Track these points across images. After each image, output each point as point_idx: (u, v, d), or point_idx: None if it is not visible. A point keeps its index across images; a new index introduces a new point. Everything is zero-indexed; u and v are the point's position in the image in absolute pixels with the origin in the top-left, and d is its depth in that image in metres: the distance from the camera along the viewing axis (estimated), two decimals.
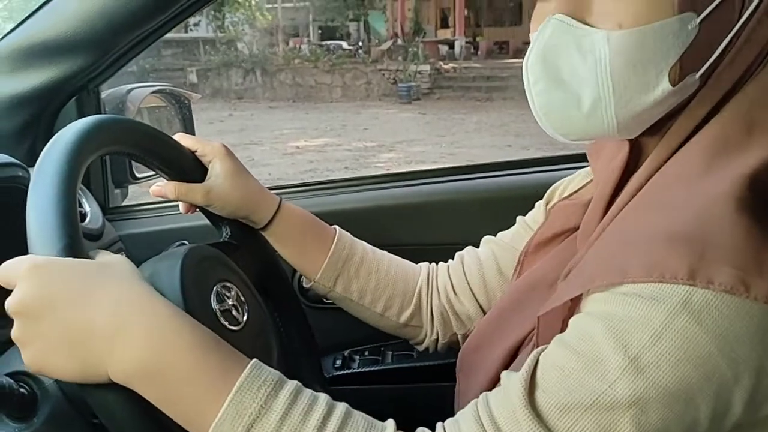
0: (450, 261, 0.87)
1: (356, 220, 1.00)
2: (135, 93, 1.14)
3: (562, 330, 0.51)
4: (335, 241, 0.82)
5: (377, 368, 1.02)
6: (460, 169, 1.02)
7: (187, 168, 0.77)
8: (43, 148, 0.94)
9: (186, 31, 17.71)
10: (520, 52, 19.27)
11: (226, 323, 0.65)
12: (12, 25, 0.94)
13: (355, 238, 0.85)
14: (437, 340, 0.84)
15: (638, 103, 0.50)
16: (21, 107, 0.95)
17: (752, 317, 0.41)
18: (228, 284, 0.70)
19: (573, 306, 0.53)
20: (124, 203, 1.15)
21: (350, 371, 1.03)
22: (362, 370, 1.02)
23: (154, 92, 1.19)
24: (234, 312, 0.67)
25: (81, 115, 1.00)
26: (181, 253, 0.67)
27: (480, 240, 0.86)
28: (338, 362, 1.05)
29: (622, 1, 0.48)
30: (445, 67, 15.32)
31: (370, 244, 0.87)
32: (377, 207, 1.01)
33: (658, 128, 0.54)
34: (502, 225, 0.84)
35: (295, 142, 8.66)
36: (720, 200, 0.44)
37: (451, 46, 18.48)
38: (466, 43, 19.01)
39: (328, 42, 19.46)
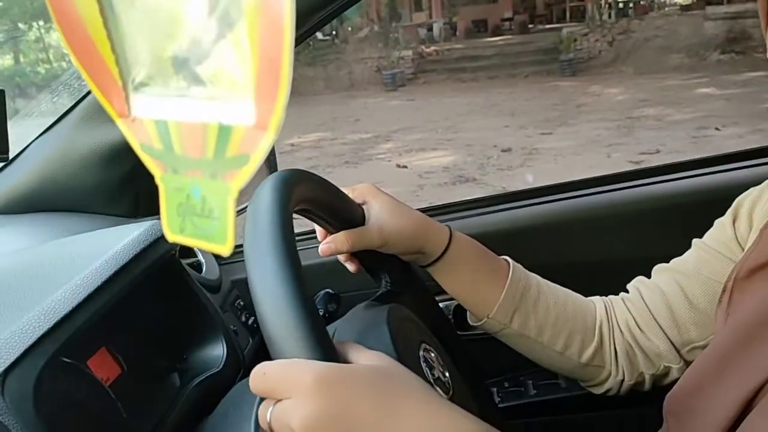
0: (623, 294, 0.79)
1: (499, 243, 0.93)
2: None
3: None
4: (511, 271, 0.75)
5: (524, 401, 0.94)
6: (599, 180, 0.94)
7: (350, 215, 0.70)
8: (146, 200, 0.86)
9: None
10: (499, 29, 19.20)
11: (440, 391, 0.58)
12: None
13: (527, 270, 0.78)
14: (622, 380, 0.77)
15: None
16: (124, 157, 0.86)
17: None
18: (427, 346, 0.63)
19: None
20: None
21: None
22: (508, 404, 0.95)
23: None
24: (442, 377, 0.61)
25: None
26: (383, 317, 0.60)
27: (631, 255, 0.79)
28: None
29: None
30: (427, 50, 15.20)
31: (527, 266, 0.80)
32: (520, 227, 0.93)
33: None
34: (676, 237, 0.77)
35: (289, 140, 8.53)
36: None
37: (430, 28, 18.33)
38: (444, 24, 18.86)
39: None
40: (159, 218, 0.76)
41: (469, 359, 0.79)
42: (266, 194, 0.53)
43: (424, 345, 0.62)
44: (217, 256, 0.98)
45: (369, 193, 0.73)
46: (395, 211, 0.71)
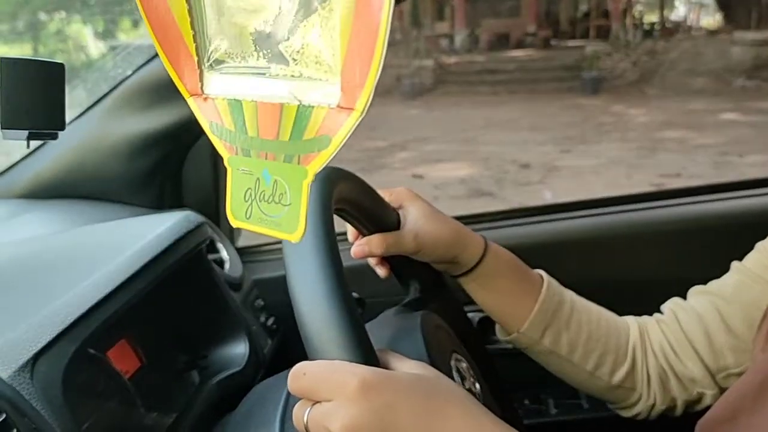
0: (657, 315, 0.77)
1: (532, 255, 0.91)
2: None
3: None
4: (545, 286, 0.73)
5: (545, 420, 0.92)
6: (637, 197, 0.92)
7: (386, 218, 0.68)
8: (170, 192, 0.84)
9: None
10: (521, 44, 19.18)
11: None
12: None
13: (562, 286, 0.76)
14: (653, 404, 0.75)
15: None
16: (152, 147, 0.86)
17: None
18: (459, 356, 0.61)
19: None
20: (250, 243, 1.06)
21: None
22: (528, 422, 0.93)
23: None
24: (473, 389, 0.59)
25: (214, 152, 0.90)
26: (416, 324, 0.58)
27: (673, 276, 0.77)
28: None
29: None
30: (448, 61, 15.21)
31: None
32: (555, 240, 0.91)
33: None
34: (695, 258, 0.75)
35: None
36: None
37: (451, 39, 18.35)
38: (467, 36, 18.87)
39: None
40: (187, 210, 0.75)
41: (496, 373, 0.77)
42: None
43: (455, 355, 0.60)
44: (240, 254, 0.96)
45: (406, 197, 0.71)
46: (432, 217, 0.70)
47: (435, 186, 6.03)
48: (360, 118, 0.19)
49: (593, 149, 7.32)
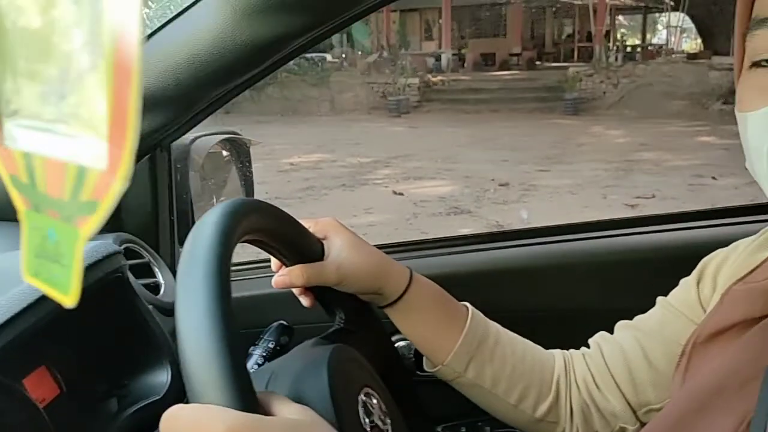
0: (584, 349, 0.78)
1: (464, 285, 0.91)
2: (199, 143, 1.04)
3: None
4: (469, 318, 0.73)
5: None
6: (572, 227, 0.93)
7: (308, 249, 0.68)
8: (110, 215, 0.83)
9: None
10: (506, 64, 19.38)
11: None
12: None
13: (487, 318, 0.76)
14: None
15: None
16: None
17: None
18: (370, 390, 0.61)
19: None
20: None
21: None
22: None
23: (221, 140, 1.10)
24: (381, 425, 0.58)
25: (153, 175, 0.90)
26: (324, 360, 0.58)
27: (600, 307, 0.78)
28: None
29: None
30: (434, 79, 15.32)
31: (486, 312, 0.78)
32: (487, 270, 0.91)
33: None
34: (621, 291, 0.75)
35: (289, 159, 8.55)
36: None
37: (438, 58, 18.50)
38: (453, 55, 19.05)
39: (312, 54, 19.37)
40: (123, 234, 0.73)
41: (419, 406, 0.77)
42: (208, 223, 0.51)
43: (366, 389, 0.60)
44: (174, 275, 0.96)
45: (331, 228, 0.71)
46: (356, 249, 0.70)
47: (415, 203, 6.05)
48: (122, 188, 0.19)
49: (571, 168, 7.38)
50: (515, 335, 0.77)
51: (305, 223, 0.70)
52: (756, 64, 0.47)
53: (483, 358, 0.73)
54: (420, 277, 0.74)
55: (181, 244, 1.03)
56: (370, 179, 7.31)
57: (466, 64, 19.39)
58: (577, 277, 0.88)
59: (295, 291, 0.72)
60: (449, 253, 0.92)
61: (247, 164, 1.18)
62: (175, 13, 0.76)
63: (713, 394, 0.59)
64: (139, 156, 0.87)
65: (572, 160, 7.89)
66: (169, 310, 0.87)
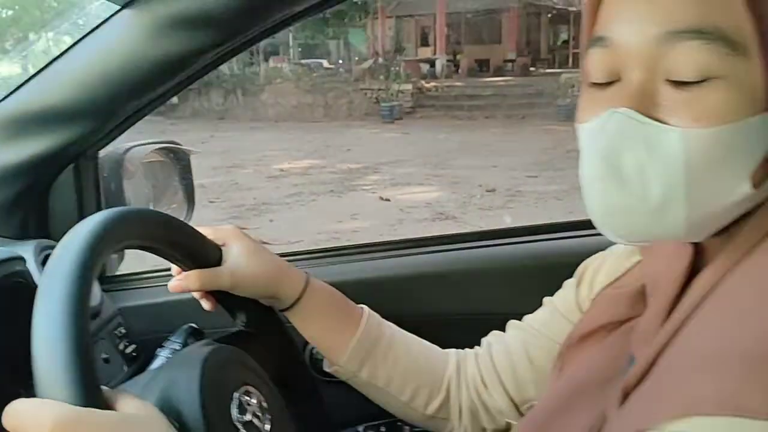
0: (477, 348, 0.81)
1: (375, 290, 0.94)
2: (133, 152, 1.07)
3: None
4: (364, 322, 0.77)
5: None
6: (482, 234, 0.97)
7: (205, 255, 0.72)
8: (35, 222, 0.87)
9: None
10: (500, 70, 19.46)
11: None
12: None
13: (383, 320, 0.80)
14: None
15: (713, 205, 0.46)
16: (14, 178, 0.88)
17: None
18: (250, 389, 0.64)
19: None
20: (120, 271, 1.09)
21: None
22: None
23: (156, 150, 1.13)
24: (256, 422, 0.62)
25: (78, 184, 0.94)
26: (200, 359, 0.61)
27: (505, 311, 0.81)
28: None
29: (699, 98, 0.44)
30: (427, 86, 15.39)
31: (392, 315, 0.82)
32: (398, 276, 0.95)
33: (726, 229, 0.50)
34: (527, 295, 0.79)
35: (279, 165, 8.59)
36: None
37: (432, 64, 18.58)
38: (447, 61, 19.12)
39: (309, 60, 19.45)
40: (45, 240, 0.76)
41: (321, 406, 0.81)
42: (77, 231, 0.55)
43: (245, 388, 0.63)
44: (102, 281, 0.99)
45: (230, 236, 0.75)
46: (253, 256, 0.73)
47: (401, 209, 6.09)
48: None
49: (560, 174, 7.42)
50: (412, 337, 0.81)
51: (204, 231, 0.74)
52: (590, 83, 0.50)
53: (376, 359, 0.76)
54: (317, 282, 0.77)
55: None
56: (359, 185, 7.35)
57: (460, 70, 19.48)
58: (487, 281, 0.91)
59: (195, 295, 0.75)
60: (371, 259, 0.95)
61: (188, 173, 1.21)
62: (88, 30, 0.80)
63: (575, 392, 0.63)
64: (61, 166, 0.90)
65: (562, 166, 7.93)
66: (92, 314, 0.90)
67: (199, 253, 0.71)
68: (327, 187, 7.22)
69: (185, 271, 0.72)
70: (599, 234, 0.55)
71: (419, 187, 7.13)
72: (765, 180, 0.46)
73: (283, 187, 7.26)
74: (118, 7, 0.77)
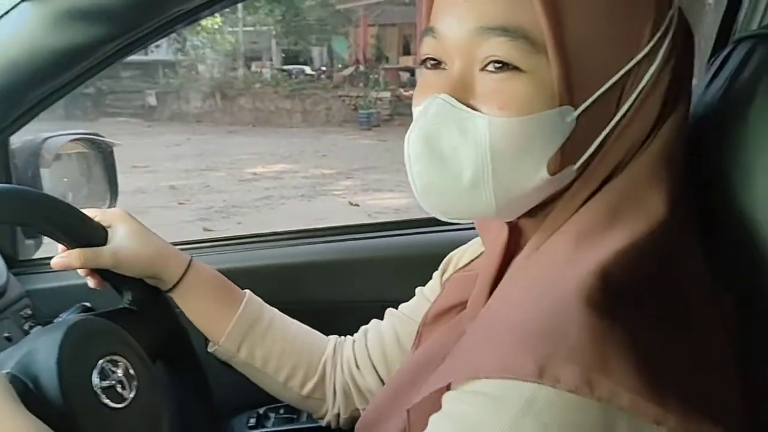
0: (356, 334, 0.86)
1: (268, 277, 0.99)
2: (51, 142, 1.11)
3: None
4: (243, 304, 0.82)
5: (293, 427, 1.00)
6: (368, 226, 1.02)
7: (88, 235, 0.76)
8: None
9: (146, 53, 17.53)
10: None
11: (108, 401, 0.64)
12: None
13: (266, 304, 0.84)
14: (338, 414, 0.83)
15: (516, 188, 0.51)
16: None
17: (595, 417, 0.41)
18: (116, 358, 0.68)
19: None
20: (37, 255, 1.12)
21: (264, 430, 1.01)
22: (277, 429, 1.00)
23: (73, 140, 1.17)
24: (119, 388, 0.66)
25: (8, 171, 0.97)
26: (63, 327, 0.65)
27: (392, 300, 0.86)
28: (252, 421, 1.02)
29: (504, 89, 0.49)
30: (405, 94, 15.45)
31: (283, 301, 0.86)
32: (290, 264, 1.00)
33: (539, 212, 0.55)
34: (408, 285, 0.84)
35: (252, 168, 8.59)
36: (570, 295, 0.44)
37: (413, 73, 18.66)
38: None
39: (291, 66, 19.45)
40: None
41: (204, 382, 0.85)
42: None
43: (112, 358, 0.67)
44: (14, 265, 1.03)
45: (116, 218, 0.79)
46: (136, 237, 0.78)
47: (368, 214, 6.12)
48: None
49: None
50: (292, 321, 0.85)
51: (90, 213, 0.78)
52: (423, 63, 0.55)
53: (254, 340, 0.81)
54: (200, 265, 0.82)
55: (26, 234, 1.10)
56: (330, 190, 7.38)
57: None
58: (372, 271, 0.97)
59: (80, 272, 0.80)
60: (261, 248, 1.00)
61: (111, 164, 1.25)
62: None
63: (423, 365, 0.68)
64: None
65: None
66: None
67: (80, 232, 0.76)
68: (298, 191, 7.24)
69: (68, 249, 0.76)
70: (451, 230, 0.60)
71: (390, 193, 7.17)
72: (563, 168, 0.51)
73: (254, 190, 7.26)
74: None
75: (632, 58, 0.50)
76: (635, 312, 0.44)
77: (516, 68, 0.48)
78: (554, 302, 0.44)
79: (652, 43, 0.50)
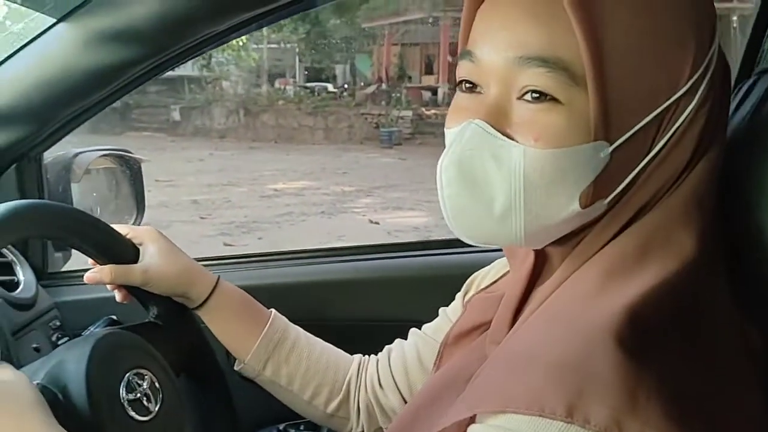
0: (380, 354, 0.86)
1: (290, 295, 1.00)
2: (82, 157, 1.14)
3: None
4: (269, 323, 0.83)
5: None
6: (397, 246, 1.03)
7: (120, 251, 0.78)
8: None
9: (172, 69, 17.83)
10: None
11: (135, 414, 0.65)
12: None
13: (290, 323, 0.85)
14: None
15: (546, 218, 0.50)
16: None
17: None
18: (142, 371, 0.69)
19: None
20: (65, 268, 1.14)
21: None
22: None
23: (102, 155, 1.20)
24: (145, 401, 0.67)
25: (20, 183, 1.00)
26: (92, 340, 0.67)
27: (415, 320, 0.86)
28: None
29: (540, 120, 0.48)
30: (427, 112, 15.52)
31: (304, 318, 0.87)
32: (312, 282, 1.01)
33: (567, 241, 0.54)
34: (440, 304, 0.84)
35: (274, 185, 8.67)
36: (600, 332, 0.43)
37: (434, 92, 18.75)
38: (449, 89, 19.31)
39: (314, 84, 19.65)
40: None
41: (228, 398, 0.86)
42: None
43: (138, 371, 0.68)
44: (43, 277, 1.05)
45: (147, 236, 0.82)
46: (166, 256, 0.80)
47: (388, 232, 6.14)
48: None
49: None
50: (317, 340, 0.86)
51: (122, 229, 0.81)
52: (458, 85, 0.55)
53: (279, 359, 0.82)
54: (227, 285, 0.83)
55: (55, 247, 1.12)
56: (350, 207, 7.42)
57: None
58: (397, 290, 0.97)
59: (109, 287, 0.81)
60: (287, 266, 1.01)
61: (138, 180, 1.28)
62: (26, 41, 0.87)
63: (444, 387, 0.68)
64: (4, 166, 0.97)
65: None
66: (23, 305, 0.96)
67: (111, 248, 0.78)
68: (319, 208, 7.29)
69: (100, 264, 0.78)
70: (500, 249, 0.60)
71: (410, 211, 7.19)
72: (594, 201, 0.51)
73: (275, 206, 7.32)
74: (54, 21, 0.85)
75: (671, 96, 0.49)
76: (663, 352, 0.44)
77: (554, 99, 0.48)
78: (584, 338, 0.44)
79: (691, 82, 0.49)
